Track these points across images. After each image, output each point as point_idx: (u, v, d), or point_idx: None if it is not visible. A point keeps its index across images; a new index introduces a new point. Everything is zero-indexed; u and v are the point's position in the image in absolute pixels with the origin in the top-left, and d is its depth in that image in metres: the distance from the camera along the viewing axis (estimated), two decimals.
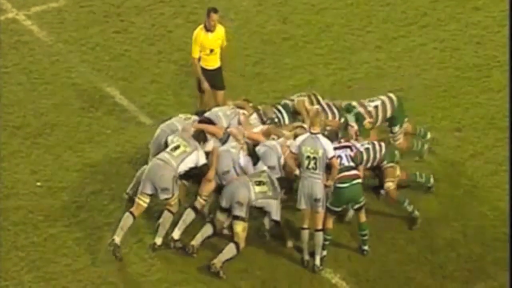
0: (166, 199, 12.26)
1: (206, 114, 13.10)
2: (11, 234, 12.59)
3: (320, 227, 12.20)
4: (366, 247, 12.45)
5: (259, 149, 12.63)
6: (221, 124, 12.88)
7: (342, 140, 12.61)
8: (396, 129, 13.45)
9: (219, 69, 14.07)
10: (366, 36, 16.22)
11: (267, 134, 12.87)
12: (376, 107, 13.32)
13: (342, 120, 13.06)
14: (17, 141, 14.07)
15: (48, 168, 13.59)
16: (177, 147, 12.32)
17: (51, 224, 12.75)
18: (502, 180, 13.64)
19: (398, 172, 12.86)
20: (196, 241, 12.26)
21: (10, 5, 16.79)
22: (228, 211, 12.25)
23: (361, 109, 13.18)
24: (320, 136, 12.16)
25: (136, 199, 12.28)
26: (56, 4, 16.90)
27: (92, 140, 14.11)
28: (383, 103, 13.40)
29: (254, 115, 13.22)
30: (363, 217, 12.38)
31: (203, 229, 12.32)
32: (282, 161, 12.53)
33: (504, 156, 13.97)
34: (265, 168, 12.44)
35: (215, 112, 13.08)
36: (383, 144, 12.92)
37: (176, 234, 12.32)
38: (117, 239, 12.13)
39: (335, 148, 12.30)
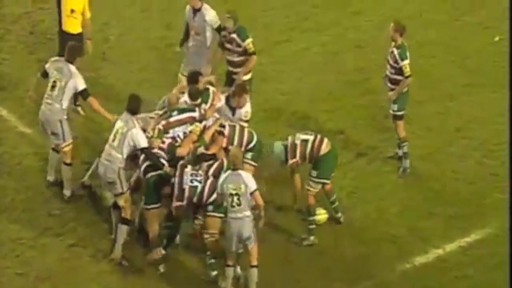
0: (59, 144, 13.02)
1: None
2: None
3: (255, 263, 11.89)
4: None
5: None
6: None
7: None
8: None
9: (80, 35, 14.30)
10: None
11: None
12: (305, 141, 12.83)
13: None
14: None
15: None
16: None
17: None
18: (384, 180, 13.89)
19: None
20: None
21: None
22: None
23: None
24: (240, 171, 11.92)
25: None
26: None
27: None
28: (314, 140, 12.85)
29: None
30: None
31: None
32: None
33: (385, 157, 14.25)
34: None
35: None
36: None
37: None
38: (50, 178, 13.26)
39: None
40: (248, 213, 11.85)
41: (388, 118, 14.41)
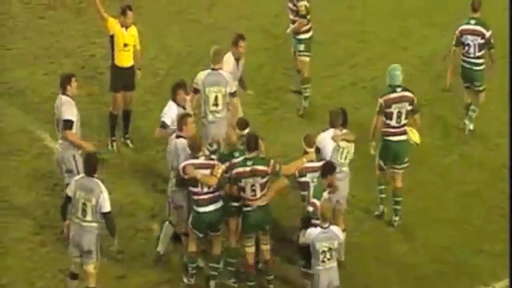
0: None
1: None
2: None
3: None
4: None
5: None
6: None
7: None
8: None
9: (132, 68, 14.46)
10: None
11: None
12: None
13: None
14: None
15: None
16: None
17: None
18: (431, 216, 13.82)
19: None
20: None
21: None
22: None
23: None
24: (332, 227, 11.75)
25: None
26: None
27: (20, 183, 13.90)
28: None
29: None
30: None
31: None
32: None
33: (436, 194, 14.18)
34: None
35: None
36: None
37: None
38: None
39: None
40: (336, 261, 11.79)
41: (435, 156, 14.40)
